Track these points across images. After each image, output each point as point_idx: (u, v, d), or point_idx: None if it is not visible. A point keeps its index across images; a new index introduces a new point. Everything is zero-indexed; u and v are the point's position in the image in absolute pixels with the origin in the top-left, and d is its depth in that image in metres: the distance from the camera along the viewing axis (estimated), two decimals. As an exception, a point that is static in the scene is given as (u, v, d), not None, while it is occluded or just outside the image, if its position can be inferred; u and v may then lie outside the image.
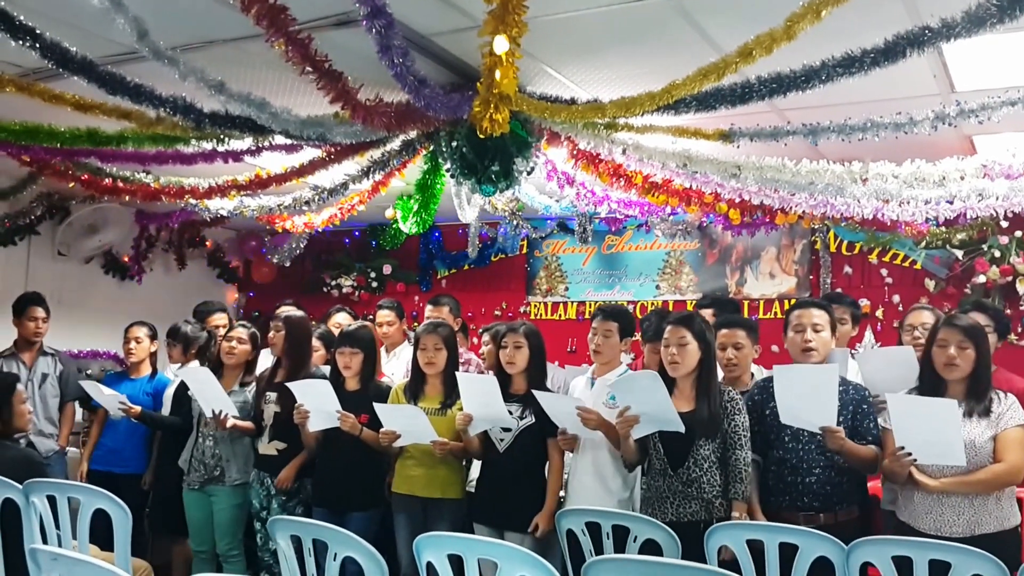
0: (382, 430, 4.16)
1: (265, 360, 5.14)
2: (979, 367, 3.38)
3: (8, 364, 5.54)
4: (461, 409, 4.15)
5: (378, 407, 4.15)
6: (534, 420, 4.06)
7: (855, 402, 3.61)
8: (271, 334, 4.84)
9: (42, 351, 5.73)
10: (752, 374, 4.20)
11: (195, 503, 4.80)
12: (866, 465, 3.57)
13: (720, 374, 4.26)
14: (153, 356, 5.69)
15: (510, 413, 4.04)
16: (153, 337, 5.67)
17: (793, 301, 6.95)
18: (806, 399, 3.46)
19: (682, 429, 3.54)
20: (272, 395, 4.63)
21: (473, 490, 4.33)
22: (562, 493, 4.20)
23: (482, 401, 4.01)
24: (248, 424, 4.70)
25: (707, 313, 4.87)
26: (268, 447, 4.60)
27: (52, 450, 5.56)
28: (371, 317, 5.78)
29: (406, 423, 4.12)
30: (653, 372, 3.60)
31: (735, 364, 4.09)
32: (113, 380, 5.56)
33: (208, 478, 4.74)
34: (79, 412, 5.99)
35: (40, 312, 5.66)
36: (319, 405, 4.27)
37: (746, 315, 6.98)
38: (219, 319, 6.04)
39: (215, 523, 4.74)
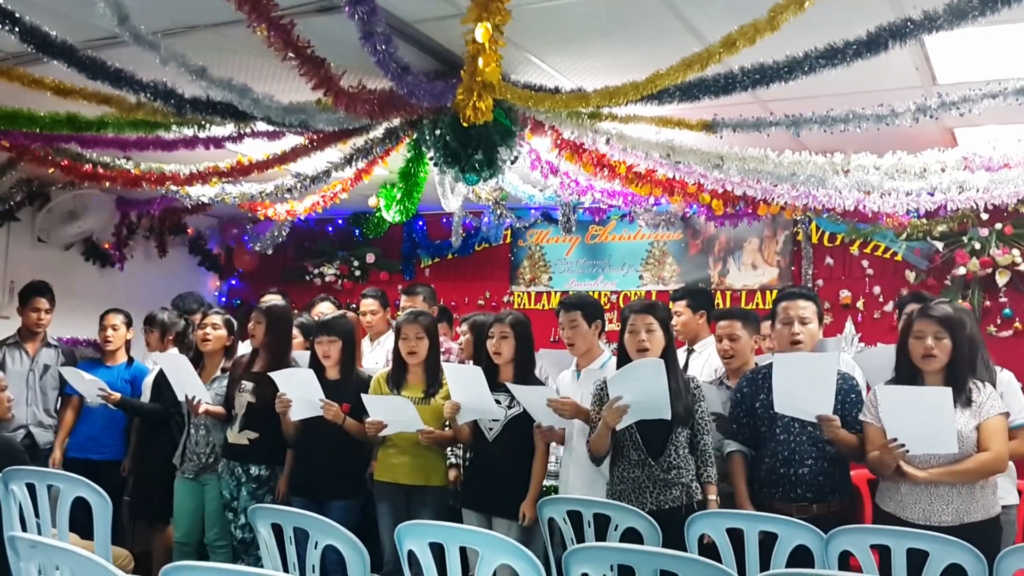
0: (368, 420, 4.15)
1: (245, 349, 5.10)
2: (957, 357, 3.40)
3: (11, 352, 5.51)
4: (446, 397, 4.15)
5: (366, 398, 4.15)
6: (522, 409, 4.07)
7: (843, 391, 3.63)
8: (251, 325, 4.80)
9: (46, 343, 5.69)
10: (756, 364, 4.20)
11: (188, 492, 4.77)
12: (854, 453, 3.59)
13: (721, 366, 4.31)
14: (128, 343, 5.66)
15: (498, 403, 4.05)
16: (129, 324, 5.64)
17: (775, 292, 7.05)
18: (804, 388, 3.47)
19: (668, 416, 3.57)
20: (248, 384, 4.59)
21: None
22: (551, 482, 4.23)
23: (469, 391, 4.01)
24: (219, 409, 4.67)
25: (681, 304, 4.89)
26: (239, 436, 4.57)
27: (50, 442, 5.53)
28: (354, 306, 5.76)
29: (394, 413, 4.12)
30: (657, 360, 3.60)
31: (731, 355, 4.13)
32: (88, 367, 5.52)
33: (202, 466, 4.72)
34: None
35: (43, 303, 5.61)
36: (301, 394, 4.26)
37: (727, 306, 7.02)
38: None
39: (206, 512, 4.72)
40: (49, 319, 5.67)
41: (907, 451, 3.27)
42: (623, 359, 3.79)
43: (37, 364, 5.59)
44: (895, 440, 3.27)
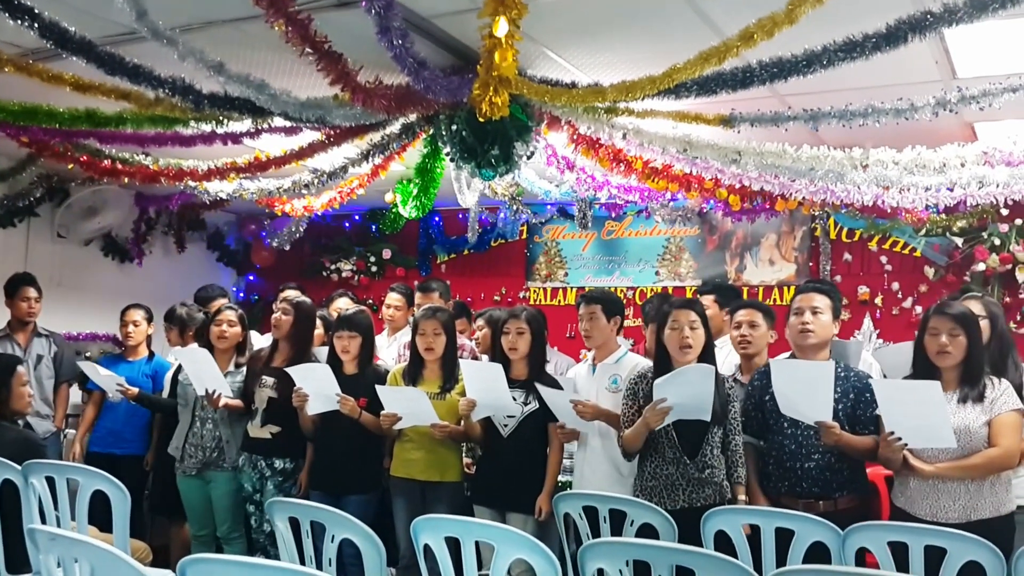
0: (383, 412, 4.16)
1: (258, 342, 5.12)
2: (971, 354, 3.40)
3: (2, 345, 5.55)
4: (461, 393, 4.16)
5: (380, 389, 4.16)
6: (538, 406, 4.08)
7: (856, 390, 3.61)
8: (277, 315, 4.80)
9: (36, 332, 5.73)
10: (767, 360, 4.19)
11: (192, 489, 4.78)
12: (866, 454, 3.57)
13: (736, 357, 4.31)
14: (149, 338, 5.70)
15: (514, 399, 4.05)
16: (149, 319, 5.68)
17: (792, 288, 7.01)
18: (803, 394, 3.48)
19: (708, 417, 3.55)
20: (269, 379, 4.60)
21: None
22: (565, 478, 4.23)
23: (486, 388, 4.01)
24: (238, 403, 4.68)
25: (708, 299, 4.89)
26: (261, 431, 4.58)
27: (48, 431, 5.58)
28: (370, 301, 5.77)
29: (408, 406, 4.13)
30: (707, 366, 3.57)
31: (749, 342, 4.12)
32: (110, 362, 5.56)
33: (206, 462, 4.71)
34: (78, 393, 6.00)
35: (32, 292, 5.66)
36: (318, 389, 4.27)
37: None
38: (221, 304, 6.01)
39: (215, 508, 4.73)
40: (39, 308, 5.72)
41: (905, 444, 3.30)
42: (663, 355, 3.74)
43: (30, 354, 5.63)
44: (891, 433, 3.29)
